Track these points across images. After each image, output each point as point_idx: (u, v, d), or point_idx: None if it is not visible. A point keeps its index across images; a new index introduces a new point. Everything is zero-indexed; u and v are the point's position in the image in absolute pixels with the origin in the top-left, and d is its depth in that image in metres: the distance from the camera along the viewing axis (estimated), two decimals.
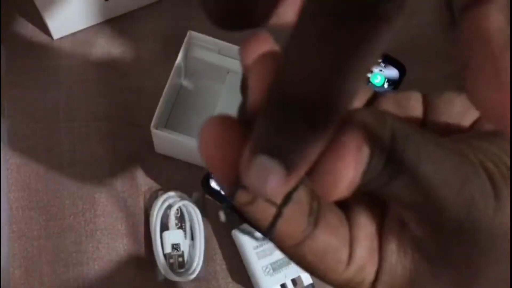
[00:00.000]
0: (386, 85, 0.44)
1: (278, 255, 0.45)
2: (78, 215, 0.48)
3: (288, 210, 0.16)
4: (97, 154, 0.50)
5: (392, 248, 0.18)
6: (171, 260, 0.46)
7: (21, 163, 0.49)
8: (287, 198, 0.16)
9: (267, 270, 0.45)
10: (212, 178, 0.39)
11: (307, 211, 0.18)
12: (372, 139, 0.14)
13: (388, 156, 0.15)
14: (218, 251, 0.48)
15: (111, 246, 0.47)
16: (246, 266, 0.47)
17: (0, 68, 0.52)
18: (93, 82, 0.52)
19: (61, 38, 0.54)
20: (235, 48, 0.48)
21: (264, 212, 0.17)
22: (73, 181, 0.49)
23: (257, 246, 0.46)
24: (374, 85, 0.44)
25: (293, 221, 0.17)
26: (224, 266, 0.48)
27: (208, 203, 0.49)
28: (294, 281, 0.46)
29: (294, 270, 0.45)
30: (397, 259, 0.18)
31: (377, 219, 0.19)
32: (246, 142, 0.14)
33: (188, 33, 0.48)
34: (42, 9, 0.49)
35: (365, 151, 0.14)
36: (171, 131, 0.45)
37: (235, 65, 0.49)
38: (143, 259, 0.47)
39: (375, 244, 0.18)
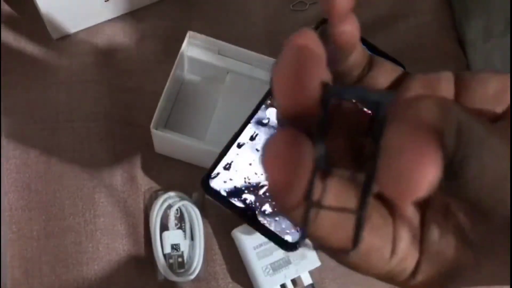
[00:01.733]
0: None
1: (278, 255, 0.45)
2: (78, 215, 0.48)
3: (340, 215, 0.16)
4: (97, 154, 0.50)
5: (434, 237, 0.18)
6: (171, 261, 0.46)
7: (21, 163, 0.49)
8: (363, 205, 0.16)
9: (267, 270, 0.45)
10: (210, 178, 0.39)
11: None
12: (439, 136, 0.14)
13: (454, 152, 0.14)
14: (218, 251, 0.48)
15: (110, 246, 0.47)
16: (246, 266, 0.46)
17: (0, 68, 0.51)
18: (93, 82, 0.52)
19: (61, 38, 0.54)
20: (234, 48, 0.48)
21: (340, 227, 0.16)
22: (73, 181, 0.49)
23: (257, 246, 0.46)
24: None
25: (345, 226, 0.17)
26: (224, 267, 0.48)
27: (208, 203, 0.49)
28: (294, 281, 0.46)
29: (294, 270, 0.45)
30: (439, 247, 0.18)
31: (420, 210, 0.18)
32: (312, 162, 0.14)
33: (187, 33, 0.48)
34: (42, 9, 0.49)
35: (440, 151, 0.14)
36: (171, 131, 0.45)
37: (235, 65, 0.49)
38: (142, 259, 0.47)
39: (417, 235, 0.18)
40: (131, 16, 0.55)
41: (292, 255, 0.46)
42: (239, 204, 0.38)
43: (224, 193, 0.38)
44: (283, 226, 0.37)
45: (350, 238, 0.16)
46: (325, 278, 0.48)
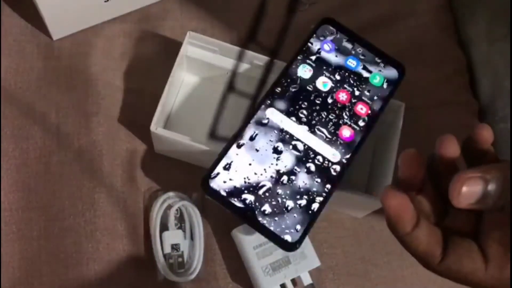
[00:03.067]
0: (385, 86, 0.43)
1: (278, 255, 0.45)
2: (77, 215, 0.48)
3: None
4: (97, 154, 0.50)
5: (493, 247, 0.27)
6: (171, 261, 0.46)
7: (21, 163, 0.49)
8: None
9: (267, 270, 0.45)
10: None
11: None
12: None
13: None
14: (218, 251, 0.48)
15: (110, 247, 0.47)
16: (246, 266, 0.46)
17: (0, 67, 0.52)
18: (93, 83, 0.52)
19: (61, 38, 0.54)
20: (235, 48, 0.48)
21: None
22: (73, 181, 0.49)
23: (257, 246, 0.46)
24: (373, 86, 0.42)
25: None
26: (223, 266, 0.48)
27: (208, 203, 0.49)
28: (294, 281, 0.45)
29: (293, 270, 0.45)
30: (501, 257, 0.27)
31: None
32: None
33: (187, 33, 0.48)
34: (42, 9, 0.49)
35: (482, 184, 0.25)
36: (170, 131, 0.45)
37: (235, 66, 0.49)
38: (142, 260, 0.47)
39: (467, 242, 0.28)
40: (131, 16, 0.55)
41: (292, 255, 0.46)
42: (239, 204, 0.37)
43: (223, 193, 0.38)
44: (283, 226, 0.37)
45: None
46: (325, 278, 0.48)
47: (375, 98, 0.42)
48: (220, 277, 0.47)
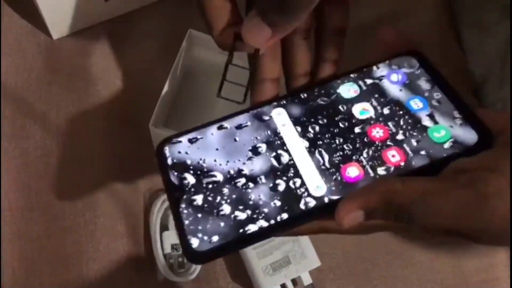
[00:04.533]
0: (447, 145, 0.31)
1: (278, 255, 0.45)
2: (77, 215, 0.48)
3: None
4: (97, 154, 0.50)
5: None
6: (171, 261, 0.46)
7: (21, 163, 0.49)
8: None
9: (267, 270, 0.45)
10: None
11: None
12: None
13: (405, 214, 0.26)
14: None
15: (111, 247, 0.47)
16: (246, 266, 0.46)
17: (0, 67, 0.52)
18: (93, 83, 0.52)
19: (61, 38, 0.54)
20: None
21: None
22: (73, 181, 0.49)
23: (257, 246, 0.46)
24: (429, 138, 0.32)
25: None
26: (224, 266, 0.48)
27: None
28: (294, 281, 0.45)
29: (294, 270, 0.45)
30: None
31: None
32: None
33: (188, 31, 0.48)
34: (42, 8, 0.49)
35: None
36: (170, 130, 0.45)
37: (236, 64, 0.49)
38: (143, 260, 0.47)
39: None
40: (131, 16, 0.55)
41: (292, 255, 0.46)
42: (174, 180, 0.31)
43: (169, 162, 0.32)
44: (199, 227, 0.29)
45: None
46: (325, 278, 0.48)
47: (422, 153, 0.31)
48: (220, 277, 0.47)
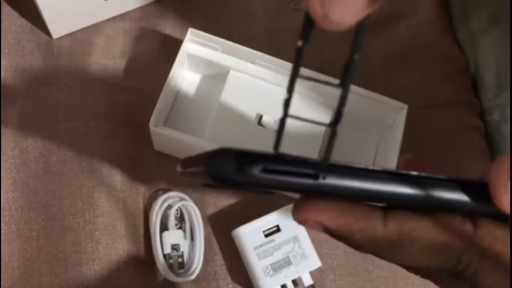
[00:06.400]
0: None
1: (278, 255, 0.45)
2: (77, 215, 0.47)
3: None
4: (97, 153, 0.49)
5: None
6: (171, 261, 0.45)
7: (20, 162, 0.49)
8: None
9: (267, 270, 0.45)
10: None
11: None
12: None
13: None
14: (218, 251, 0.48)
15: (110, 246, 0.47)
16: (246, 266, 0.46)
17: (0, 67, 0.51)
18: (93, 82, 0.52)
19: (61, 37, 0.53)
20: (236, 46, 0.48)
21: None
22: (72, 181, 0.48)
23: (257, 247, 0.45)
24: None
25: None
26: (224, 267, 0.48)
27: (208, 203, 0.49)
28: (294, 282, 0.45)
29: (294, 271, 0.45)
30: None
31: None
32: None
33: (188, 30, 0.47)
34: (41, 7, 0.49)
35: None
36: (170, 129, 0.45)
37: (236, 63, 0.49)
38: (142, 260, 0.47)
39: None
40: (131, 14, 0.55)
41: (292, 255, 0.45)
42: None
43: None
44: None
45: None
46: (326, 279, 0.48)
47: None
48: (220, 277, 0.47)
